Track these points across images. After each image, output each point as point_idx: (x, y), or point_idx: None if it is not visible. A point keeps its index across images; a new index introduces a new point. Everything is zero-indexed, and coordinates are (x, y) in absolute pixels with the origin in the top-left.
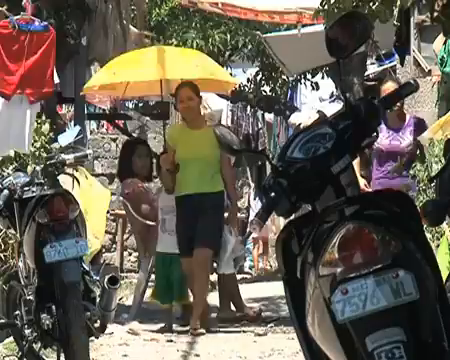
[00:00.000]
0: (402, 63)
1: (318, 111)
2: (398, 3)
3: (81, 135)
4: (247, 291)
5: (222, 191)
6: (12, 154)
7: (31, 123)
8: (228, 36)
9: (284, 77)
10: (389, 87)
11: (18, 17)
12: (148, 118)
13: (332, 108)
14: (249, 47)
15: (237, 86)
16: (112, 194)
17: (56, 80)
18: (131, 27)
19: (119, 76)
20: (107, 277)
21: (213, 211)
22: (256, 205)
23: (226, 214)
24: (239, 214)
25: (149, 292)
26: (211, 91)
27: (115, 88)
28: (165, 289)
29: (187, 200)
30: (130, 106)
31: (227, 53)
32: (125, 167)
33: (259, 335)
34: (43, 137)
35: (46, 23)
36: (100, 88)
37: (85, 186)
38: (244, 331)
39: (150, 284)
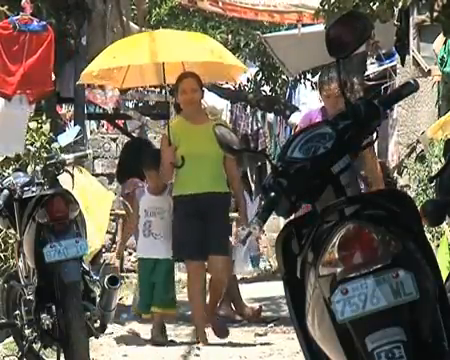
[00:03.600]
0: (403, 63)
1: None
2: (400, 4)
3: (81, 135)
4: (247, 291)
5: (230, 192)
6: (12, 154)
7: (25, 123)
8: (229, 36)
9: (284, 77)
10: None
11: (18, 17)
12: (148, 118)
13: None
14: (250, 47)
15: (237, 86)
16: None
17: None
18: (132, 24)
19: (119, 60)
20: (107, 277)
21: (223, 213)
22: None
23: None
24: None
25: None
26: (217, 79)
27: (112, 78)
28: (150, 297)
29: (194, 200)
30: (130, 106)
31: None
32: (125, 169)
33: (259, 335)
34: (43, 137)
35: (44, 23)
36: (99, 75)
37: (85, 184)
38: (244, 331)
39: None
